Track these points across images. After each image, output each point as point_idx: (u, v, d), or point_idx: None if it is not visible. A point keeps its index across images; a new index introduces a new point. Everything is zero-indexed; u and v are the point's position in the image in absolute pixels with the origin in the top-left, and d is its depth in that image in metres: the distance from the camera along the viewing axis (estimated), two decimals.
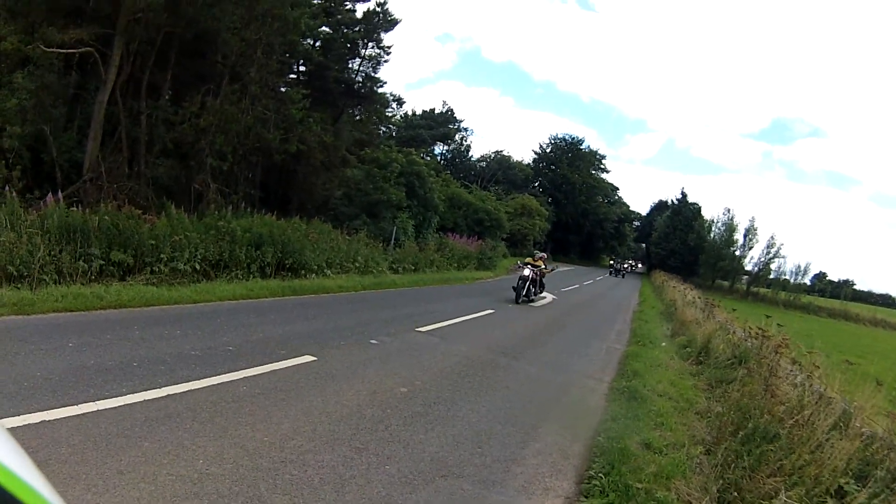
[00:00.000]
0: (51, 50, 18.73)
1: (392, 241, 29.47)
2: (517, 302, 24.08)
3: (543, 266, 26.62)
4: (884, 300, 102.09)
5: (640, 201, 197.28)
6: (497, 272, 41.00)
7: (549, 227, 73.90)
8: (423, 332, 14.41)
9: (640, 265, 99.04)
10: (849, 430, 6.89)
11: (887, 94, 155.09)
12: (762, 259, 76.97)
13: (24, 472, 0.86)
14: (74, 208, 15.26)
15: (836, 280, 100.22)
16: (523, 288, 24.57)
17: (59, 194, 16.24)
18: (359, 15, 33.44)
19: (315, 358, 10.05)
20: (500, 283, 33.80)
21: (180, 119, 22.51)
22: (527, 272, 24.97)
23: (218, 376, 8.17)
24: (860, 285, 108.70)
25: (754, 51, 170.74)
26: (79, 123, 21.17)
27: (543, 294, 26.81)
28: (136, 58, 21.48)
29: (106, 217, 14.91)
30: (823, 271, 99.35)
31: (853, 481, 6.24)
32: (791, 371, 9.71)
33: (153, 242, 15.39)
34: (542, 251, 31.47)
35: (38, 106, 19.77)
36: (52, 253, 13.19)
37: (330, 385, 8.77)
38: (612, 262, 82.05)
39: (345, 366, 10.02)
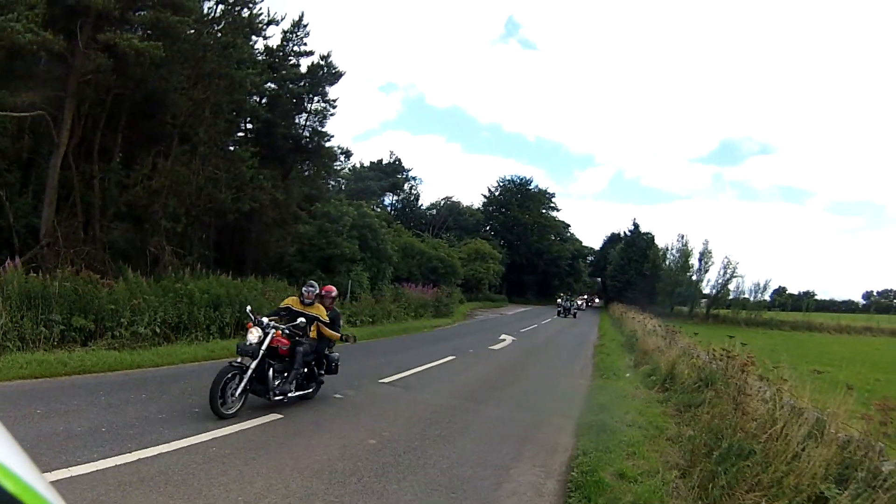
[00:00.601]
0: (4, 113, 18.62)
1: (348, 295, 29.34)
2: (220, 415, 9.40)
3: (327, 314, 12.01)
4: (847, 306, 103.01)
5: (593, 236, 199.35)
6: (455, 318, 41.27)
7: (503, 269, 74.15)
8: (387, 382, 14.37)
9: (597, 300, 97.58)
10: (824, 437, 6.96)
11: (835, 103, 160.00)
12: (719, 281, 77.41)
13: (24, 472, 0.84)
14: (33, 274, 15.18)
15: (796, 293, 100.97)
16: (237, 382, 9.85)
17: (17, 260, 16.03)
18: (303, 70, 33.68)
19: (281, 415, 9.96)
20: (459, 330, 34.01)
21: (132, 182, 22.44)
22: (252, 338, 10.31)
23: (187, 438, 8.06)
24: (822, 295, 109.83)
25: (697, 74, 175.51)
26: (34, 188, 21.06)
27: (311, 388, 11.83)
28: (88, 120, 21.51)
29: (66, 283, 14.85)
30: (783, 286, 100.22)
31: (834, 486, 6.28)
32: (760, 387, 9.79)
33: (112, 307, 15.30)
34: (314, 283, 12.21)
35: None
36: (14, 319, 13.15)
37: (299, 441, 8.67)
38: (559, 299, 66.50)
39: (312, 421, 9.94)
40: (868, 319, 72.47)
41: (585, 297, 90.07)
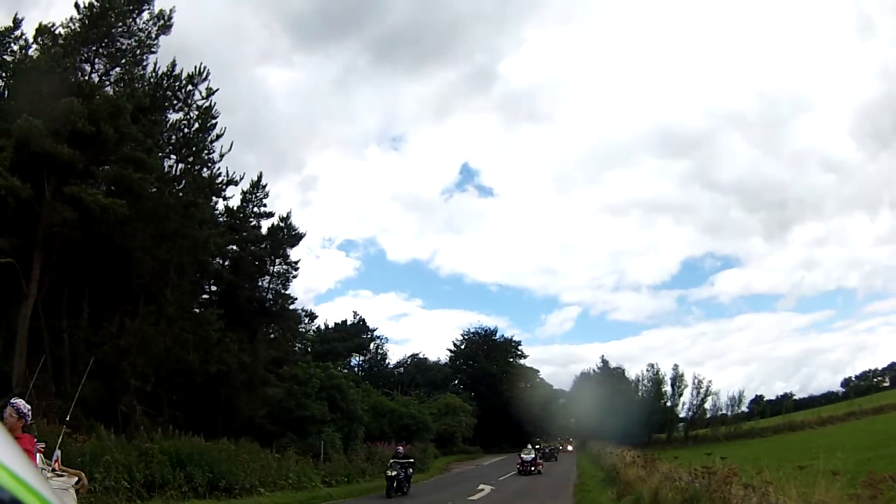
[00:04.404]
0: None
1: (322, 456, 28.89)
2: None
3: None
4: (828, 399, 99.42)
5: (563, 377, 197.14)
6: (431, 473, 40.68)
7: (475, 421, 73.21)
8: None
9: (570, 445, 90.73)
10: None
11: (792, 198, 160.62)
12: (694, 402, 77.01)
13: (24, 472, 0.92)
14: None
15: (774, 398, 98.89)
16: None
17: None
18: (263, 231, 34.49)
19: None
20: (436, 483, 33.69)
21: (101, 339, 22.30)
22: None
23: None
24: (801, 394, 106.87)
25: (655, 201, 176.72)
26: (3, 335, 20.84)
27: None
28: (56, 273, 21.72)
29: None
30: (760, 394, 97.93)
31: None
32: (745, 495, 9.78)
33: (80, 460, 14.90)
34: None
35: None
36: None
37: None
38: (523, 452, 42.40)
39: None
40: (850, 405, 71.19)
41: (539, 442, 56.63)
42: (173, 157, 26.97)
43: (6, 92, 23.55)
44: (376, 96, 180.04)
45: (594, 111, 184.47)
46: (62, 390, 21.17)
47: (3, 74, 23.90)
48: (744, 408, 79.75)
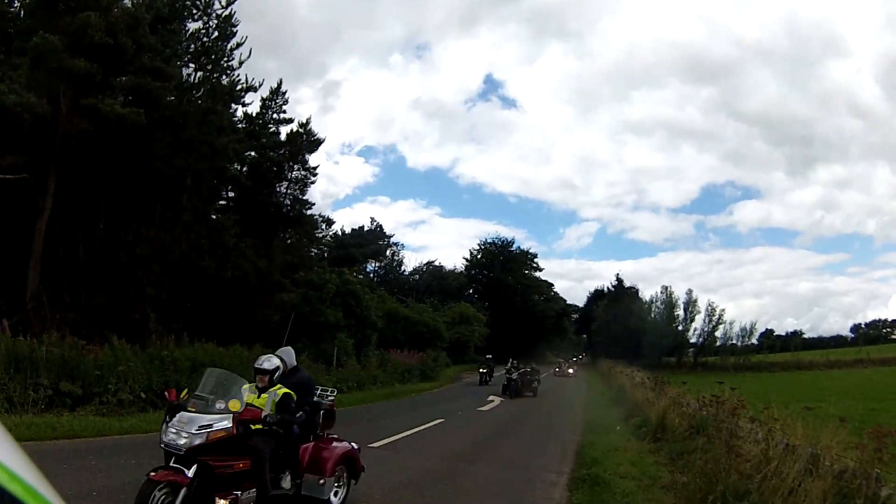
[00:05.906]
0: None
1: (335, 361, 29.18)
2: None
3: None
4: (836, 342, 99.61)
5: (578, 293, 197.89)
6: (441, 382, 41.13)
7: (488, 331, 73.72)
8: (376, 447, 14.09)
9: (579, 360, 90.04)
10: (819, 470, 6.92)
11: (816, 136, 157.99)
12: (706, 329, 77.64)
13: (24, 472, 0.85)
14: (21, 337, 15.21)
15: (784, 334, 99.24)
16: None
17: (5, 322, 16.08)
18: (283, 137, 34.19)
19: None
20: (446, 393, 33.92)
21: (116, 249, 22.42)
22: None
23: None
24: (811, 333, 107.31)
25: (677, 123, 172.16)
26: (18, 250, 20.94)
27: None
28: (71, 185, 21.62)
29: (52, 347, 14.88)
30: (770, 328, 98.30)
31: None
32: (751, 429, 9.78)
33: (99, 373, 15.35)
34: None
35: None
36: (2, 381, 13.26)
37: None
38: (503, 368, 37.53)
39: None
40: (858, 352, 72.11)
41: (522, 365, 38.54)
42: (192, 65, 26.58)
43: (21, 12, 23.13)
44: (401, 4, 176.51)
45: (623, 30, 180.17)
46: (76, 301, 21.48)
47: None
48: (754, 340, 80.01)
